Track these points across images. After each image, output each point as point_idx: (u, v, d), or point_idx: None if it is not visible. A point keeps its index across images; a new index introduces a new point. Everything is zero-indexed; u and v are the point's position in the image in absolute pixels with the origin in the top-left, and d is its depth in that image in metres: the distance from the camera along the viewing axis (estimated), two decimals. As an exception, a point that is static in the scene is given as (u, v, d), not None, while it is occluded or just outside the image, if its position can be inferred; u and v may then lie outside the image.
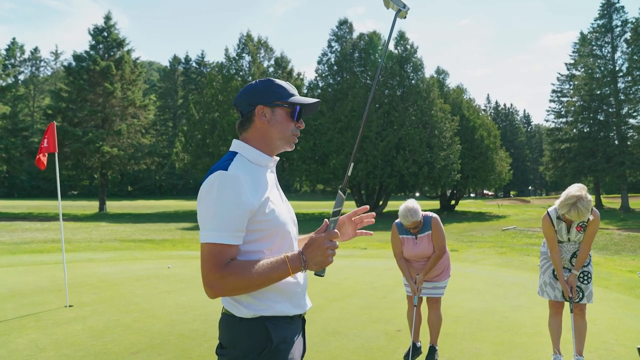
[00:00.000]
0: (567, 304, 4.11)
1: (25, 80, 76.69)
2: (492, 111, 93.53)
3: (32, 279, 7.99)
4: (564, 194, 3.63)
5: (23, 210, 31.11)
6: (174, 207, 42.37)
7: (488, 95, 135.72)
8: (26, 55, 78.15)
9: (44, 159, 6.23)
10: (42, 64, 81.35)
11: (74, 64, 31.98)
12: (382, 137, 29.71)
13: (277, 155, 1.79)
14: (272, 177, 1.73)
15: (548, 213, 3.89)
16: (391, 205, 35.79)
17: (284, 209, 1.71)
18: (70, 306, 6.12)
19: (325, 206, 44.12)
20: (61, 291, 6.80)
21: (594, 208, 3.62)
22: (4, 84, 35.65)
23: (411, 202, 3.96)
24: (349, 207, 39.21)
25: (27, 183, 65.09)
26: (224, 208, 1.51)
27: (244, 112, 1.73)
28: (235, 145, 1.72)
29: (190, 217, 29.53)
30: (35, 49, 79.83)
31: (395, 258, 4.25)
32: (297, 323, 1.72)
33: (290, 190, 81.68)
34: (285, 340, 1.64)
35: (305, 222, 27.11)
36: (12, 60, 74.22)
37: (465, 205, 46.50)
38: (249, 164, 1.65)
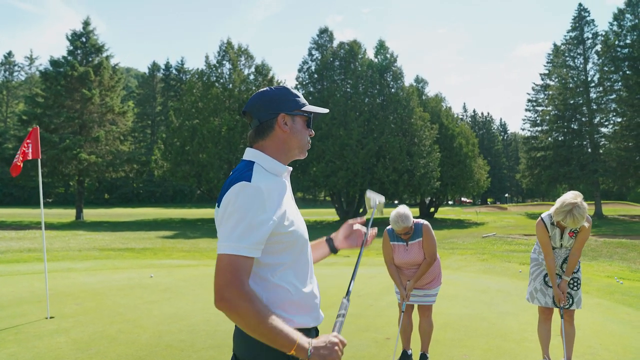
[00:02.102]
0: (556, 310, 4.17)
1: (-1, 85, 74.81)
2: (470, 119, 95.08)
3: (10, 290, 7.73)
4: (559, 201, 3.69)
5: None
6: (152, 214, 41.74)
7: (465, 103, 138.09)
8: (-1, 60, 76.31)
9: (20, 164, 6.04)
10: (16, 68, 79.51)
11: (50, 69, 31.33)
12: (362, 145, 29.88)
13: (289, 165, 1.78)
14: (288, 188, 1.72)
15: (542, 219, 3.94)
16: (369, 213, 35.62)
17: (301, 220, 1.71)
18: (51, 317, 5.94)
19: (306, 214, 43.99)
20: (41, 302, 6.60)
21: (587, 215, 3.69)
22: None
23: (402, 208, 3.99)
24: (329, 214, 39.25)
25: (0, 191, 63.24)
26: (246, 220, 1.50)
27: (262, 120, 1.70)
28: (251, 154, 1.69)
29: (170, 225, 29.13)
30: (9, 54, 78.00)
31: (385, 264, 4.25)
32: (312, 335, 1.71)
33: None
34: None
35: (287, 229, 26.97)
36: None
37: (444, 212, 47.02)
38: (267, 174, 1.63)
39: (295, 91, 1.75)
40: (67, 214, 36.87)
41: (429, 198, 38.73)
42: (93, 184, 55.73)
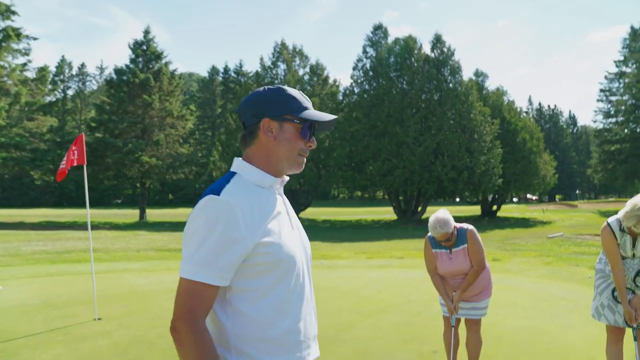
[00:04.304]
0: (629, 330, 3.59)
1: (73, 94, 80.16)
2: (535, 113, 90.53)
3: (66, 290, 8.04)
4: (629, 204, 3.16)
5: (69, 219, 32.23)
6: (212, 215, 42.98)
7: (530, 96, 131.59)
8: (74, 71, 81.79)
9: (66, 170, 6.20)
10: (89, 78, 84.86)
11: (115, 77, 33.06)
12: (419, 143, 29.15)
13: (287, 175, 1.53)
14: (278, 201, 1.46)
15: (609, 224, 3.38)
16: (430, 212, 34.55)
17: (292, 238, 1.44)
18: (99, 319, 6.06)
19: (363, 212, 43.65)
20: (92, 303, 6.78)
21: None
22: (54, 99, 37.43)
23: (442, 213, 3.62)
24: (387, 213, 38.66)
25: (74, 192, 67.72)
26: (210, 241, 1.28)
27: (247, 124, 1.48)
28: (236, 164, 1.47)
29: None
30: (82, 65, 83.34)
31: (429, 274, 3.90)
32: None
33: (328, 197, 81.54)
34: None
35: (343, 229, 26.85)
36: (61, 77, 77.88)
37: (507, 210, 44.88)
38: (250, 186, 1.40)
39: (293, 93, 1.48)
40: (133, 214, 38.77)
41: (491, 196, 37.14)
42: (156, 186, 58.29)
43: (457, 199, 46.25)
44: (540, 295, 7.47)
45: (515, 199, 76.70)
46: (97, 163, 30.93)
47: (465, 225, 3.75)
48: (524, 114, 44.25)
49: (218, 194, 1.32)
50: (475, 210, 40.42)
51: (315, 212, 42.48)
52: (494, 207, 37.33)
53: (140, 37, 34.05)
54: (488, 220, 31.81)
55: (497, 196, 37.19)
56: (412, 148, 28.79)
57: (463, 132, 30.16)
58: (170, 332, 1.30)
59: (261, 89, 1.51)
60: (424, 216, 31.63)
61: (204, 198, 1.33)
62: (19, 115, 30.55)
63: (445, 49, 32.17)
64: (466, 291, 3.73)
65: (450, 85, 31.42)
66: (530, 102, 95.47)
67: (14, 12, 32.14)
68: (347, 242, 18.52)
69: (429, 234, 3.80)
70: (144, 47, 33.77)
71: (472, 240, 3.67)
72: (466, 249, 3.69)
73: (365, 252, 14.71)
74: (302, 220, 33.78)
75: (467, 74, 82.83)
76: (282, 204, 1.50)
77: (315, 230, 25.18)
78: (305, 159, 1.51)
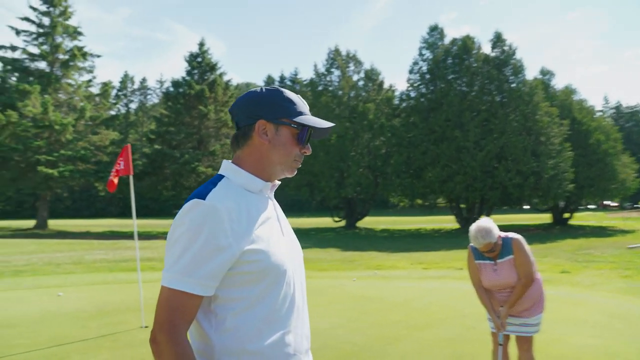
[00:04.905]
0: None
1: (136, 108, 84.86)
2: (614, 112, 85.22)
3: (119, 298, 8.42)
4: None
5: (131, 229, 33.95)
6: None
7: (606, 95, 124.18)
8: (136, 86, 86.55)
9: (116, 180, 6.48)
10: (149, 92, 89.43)
11: (172, 89, 34.62)
12: (480, 147, 28.23)
13: (278, 180, 1.49)
14: (268, 207, 1.42)
15: None
16: (493, 220, 33.45)
17: (282, 245, 1.39)
18: (145, 327, 6.27)
19: (423, 221, 42.75)
20: (140, 311, 7.03)
21: None
22: (116, 113, 40.05)
23: (484, 221, 3.43)
24: (448, 222, 37.67)
25: (136, 203, 71.23)
26: (194, 248, 1.24)
27: (240, 124, 1.45)
28: (224, 167, 1.44)
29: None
30: (144, 79, 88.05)
31: (473, 287, 3.69)
32: None
33: (387, 206, 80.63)
34: None
35: (401, 238, 26.38)
36: (125, 91, 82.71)
37: (582, 218, 42.30)
38: (238, 190, 1.37)
39: (291, 96, 1.45)
40: (192, 225, 40.20)
41: (563, 202, 35.19)
42: (215, 196, 60.22)
43: (526, 206, 44.17)
44: (614, 312, 6.90)
45: (591, 206, 72.19)
46: (156, 174, 32.42)
47: (510, 235, 3.53)
48: (599, 114, 41.72)
49: (203, 198, 1.28)
50: (546, 218, 38.46)
51: (374, 222, 42.10)
52: (566, 215, 35.35)
53: (195, 49, 35.52)
54: (559, 228, 30.11)
55: (569, 203, 35.18)
56: (472, 153, 27.96)
57: (528, 134, 28.92)
58: (149, 343, 1.26)
59: (258, 88, 1.48)
60: (487, 225, 30.51)
61: (188, 202, 1.29)
62: (84, 130, 32.68)
63: (506, 48, 31.11)
64: (514, 306, 3.50)
65: (513, 85, 30.31)
66: (606, 100, 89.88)
67: (80, 33, 34.64)
68: (404, 251, 18.17)
69: (472, 243, 3.61)
70: (199, 59, 35.15)
71: (518, 251, 3.44)
72: (512, 260, 3.46)
73: (422, 262, 14.36)
74: (358, 229, 33.59)
75: (531, 73, 79.40)
76: (273, 209, 1.45)
77: (372, 240, 24.92)
78: (299, 164, 1.47)
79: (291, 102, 1.44)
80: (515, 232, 3.62)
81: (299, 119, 1.42)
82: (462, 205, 32.33)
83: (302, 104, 1.46)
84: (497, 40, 31.27)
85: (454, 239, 24.81)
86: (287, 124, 1.42)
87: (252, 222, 1.32)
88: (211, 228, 1.24)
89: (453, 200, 31.32)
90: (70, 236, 27.00)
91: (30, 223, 34.75)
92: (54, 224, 36.35)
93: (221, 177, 1.40)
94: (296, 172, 1.49)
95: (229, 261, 1.26)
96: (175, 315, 1.23)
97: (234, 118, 1.48)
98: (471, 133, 28.20)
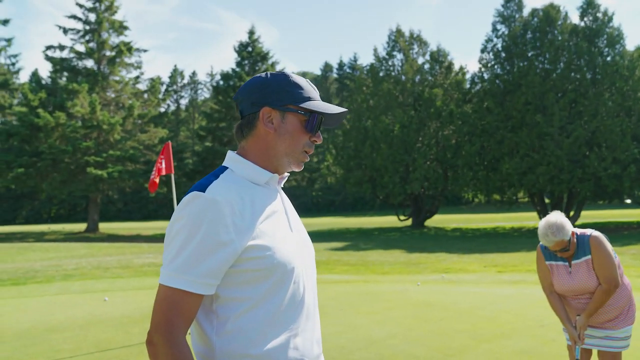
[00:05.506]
0: None
1: (187, 104, 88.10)
2: None
3: (150, 305, 8.77)
4: None
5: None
6: (329, 224, 43.85)
7: None
8: (186, 80, 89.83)
9: (157, 180, 6.74)
10: (200, 86, 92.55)
11: (222, 82, 35.65)
12: (567, 133, 27.00)
13: (287, 172, 1.50)
14: (275, 200, 1.44)
15: None
16: (585, 217, 31.94)
17: (290, 241, 1.40)
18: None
19: (501, 219, 41.40)
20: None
21: None
22: (165, 110, 41.88)
23: (555, 216, 3.23)
24: (531, 219, 36.26)
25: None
26: (192, 243, 1.26)
27: (244, 113, 1.47)
28: (228, 158, 1.47)
29: (344, 235, 30.27)
30: (194, 73, 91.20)
31: (544, 292, 3.52)
32: None
33: (460, 203, 78.80)
34: None
35: (475, 238, 25.73)
36: (174, 87, 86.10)
37: (699, 214, 39.33)
38: (242, 182, 1.38)
39: (298, 80, 1.46)
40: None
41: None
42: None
43: (629, 200, 41.51)
44: None
45: None
46: (207, 172, 33.48)
47: (588, 232, 3.31)
48: None
49: (203, 190, 1.30)
50: (651, 214, 36.14)
51: (444, 220, 41.32)
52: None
53: (245, 38, 36.36)
54: (668, 226, 28.24)
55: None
56: (557, 140, 26.83)
57: (627, 116, 27.35)
58: (146, 345, 1.29)
59: (263, 74, 1.50)
60: (577, 222, 29.07)
61: (187, 195, 1.32)
62: (133, 128, 34.37)
63: (599, 15, 29.41)
64: (595, 315, 3.29)
65: (608, 59, 28.67)
66: None
67: (126, 27, 36.43)
68: (476, 253, 17.75)
69: (541, 242, 3.43)
70: (249, 49, 35.98)
71: (597, 251, 3.22)
72: (590, 262, 3.25)
73: (496, 264, 13.97)
74: (426, 229, 33.07)
75: (632, 42, 74.90)
76: (280, 202, 1.46)
77: (442, 240, 24.48)
78: (308, 157, 1.47)
79: (298, 87, 1.44)
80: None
81: (306, 104, 1.43)
82: (547, 201, 31.08)
83: (310, 89, 1.47)
84: (588, 6, 29.66)
85: (536, 239, 23.84)
86: (293, 110, 1.42)
87: (256, 216, 1.32)
88: (211, 222, 1.25)
89: (535, 194, 30.35)
90: (120, 239, 28.54)
91: (82, 226, 37.11)
92: (105, 227, 38.61)
93: (224, 168, 1.42)
94: (303, 167, 1.49)
95: (230, 257, 1.27)
96: (173, 315, 1.25)
97: (238, 106, 1.50)
98: (556, 117, 27.01)
